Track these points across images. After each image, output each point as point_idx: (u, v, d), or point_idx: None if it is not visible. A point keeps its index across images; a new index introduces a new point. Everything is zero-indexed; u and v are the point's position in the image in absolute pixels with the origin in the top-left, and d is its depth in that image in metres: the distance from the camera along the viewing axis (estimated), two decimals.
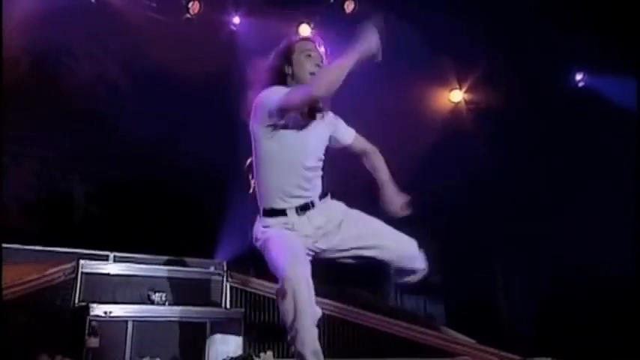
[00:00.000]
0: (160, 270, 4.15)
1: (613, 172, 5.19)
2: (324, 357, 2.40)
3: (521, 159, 5.74)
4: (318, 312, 2.32)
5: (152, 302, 3.92)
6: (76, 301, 3.71)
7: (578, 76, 6.11)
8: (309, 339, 2.25)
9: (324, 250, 2.53)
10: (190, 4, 5.71)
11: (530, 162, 5.72)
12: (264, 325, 4.16)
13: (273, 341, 3.99)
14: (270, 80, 2.56)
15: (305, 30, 6.21)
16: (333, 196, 2.65)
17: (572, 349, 4.64)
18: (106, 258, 4.28)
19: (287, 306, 2.22)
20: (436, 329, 4.19)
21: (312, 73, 2.54)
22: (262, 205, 2.57)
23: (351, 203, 2.67)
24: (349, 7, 6.01)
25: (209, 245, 5.42)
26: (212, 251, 5.40)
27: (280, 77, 2.55)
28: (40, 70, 5.37)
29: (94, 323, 3.44)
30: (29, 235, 4.52)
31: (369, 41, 2.51)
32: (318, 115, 2.58)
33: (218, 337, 3.90)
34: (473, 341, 4.02)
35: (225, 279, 4.35)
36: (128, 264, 4.12)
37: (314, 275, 2.41)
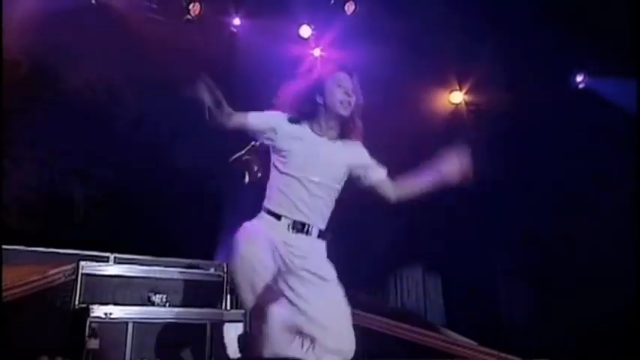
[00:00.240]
0: (161, 271, 4.15)
1: (613, 173, 5.19)
2: None
3: (521, 160, 5.74)
4: None
5: (152, 304, 3.92)
6: (77, 302, 3.71)
7: (579, 78, 6.10)
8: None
9: (285, 263, 2.49)
10: (191, 6, 5.71)
11: (530, 163, 5.71)
12: None
13: None
14: (300, 107, 2.64)
15: (306, 31, 6.22)
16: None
17: (571, 351, 4.64)
18: (106, 259, 4.28)
19: None
20: (436, 331, 4.19)
21: (342, 102, 2.60)
22: (264, 204, 2.61)
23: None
24: (350, 8, 6.01)
25: (209, 247, 5.41)
26: (212, 253, 5.39)
27: (311, 106, 2.62)
28: (41, 71, 5.37)
29: (94, 325, 3.44)
30: (30, 236, 4.53)
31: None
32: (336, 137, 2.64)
33: (218, 338, 3.89)
34: (473, 343, 4.02)
35: (225, 280, 4.34)
36: (128, 265, 4.12)
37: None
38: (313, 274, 2.45)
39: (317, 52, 6.37)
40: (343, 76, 2.66)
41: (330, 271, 2.54)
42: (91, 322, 3.45)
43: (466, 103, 6.54)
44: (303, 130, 2.62)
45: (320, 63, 6.35)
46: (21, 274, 3.59)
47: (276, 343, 2.37)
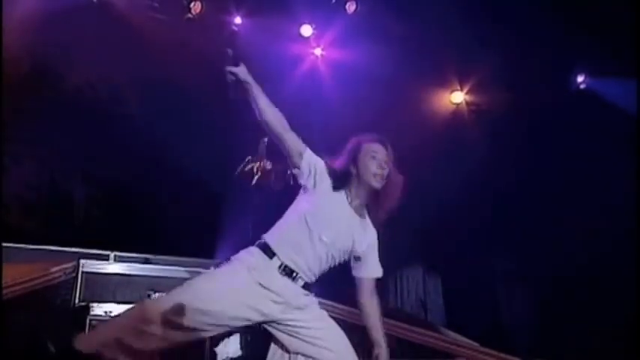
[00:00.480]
0: (161, 270, 4.15)
1: (614, 173, 5.19)
2: None
3: (522, 160, 5.74)
4: None
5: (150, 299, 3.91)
6: (77, 300, 3.71)
7: (580, 78, 6.10)
8: None
9: (265, 314, 2.47)
10: (192, 4, 5.71)
11: (531, 163, 5.71)
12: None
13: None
14: (335, 175, 2.61)
15: (306, 30, 6.22)
16: None
17: (572, 351, 4.65)
18: (106, 258, 4.28)
19: None
20: (436, 331, 4.20)
21: (375, 175, 2.58)
22: (265, 237, 2.58)
23: None
24: (351, 7, 6.01)
25: (209, 245, 5.42)
26: (212, 251, 5.40)
27: (345, 175, 2.61)
28: (42, 69, 5.37)
29: (94, 323, 3.44)
30: (30, 234, 4.53)
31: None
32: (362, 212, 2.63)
33: (218, 337, 3.89)
34: (473, 343, 4.03)
35: None
36: (129, 264, 4.12)
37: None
38: (290, 325, 2.49)
39: (318, 51, 6.37)
40: (378, 148, 2.63)
41: (323, 314, 2.58)
42: (91, 320, 3.45)
43: (467, 103, 6.54)
44: (338, 193, 2.60)
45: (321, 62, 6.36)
46: (22, 272, 3.59)
47: None
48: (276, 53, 6.03)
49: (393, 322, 3.95)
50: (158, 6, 5.68)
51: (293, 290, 2.50)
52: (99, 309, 3.51)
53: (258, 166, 5.14)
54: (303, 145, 2.57)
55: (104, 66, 5.58)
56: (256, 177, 4.78)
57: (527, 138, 5.75)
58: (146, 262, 4.30)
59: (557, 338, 5.16)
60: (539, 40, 5.52)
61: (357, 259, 2.65)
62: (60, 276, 3.73)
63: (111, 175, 5.56)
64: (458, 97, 6.54)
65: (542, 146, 5.69)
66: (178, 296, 2.41)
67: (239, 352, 3.89)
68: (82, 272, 3.78)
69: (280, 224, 2.61)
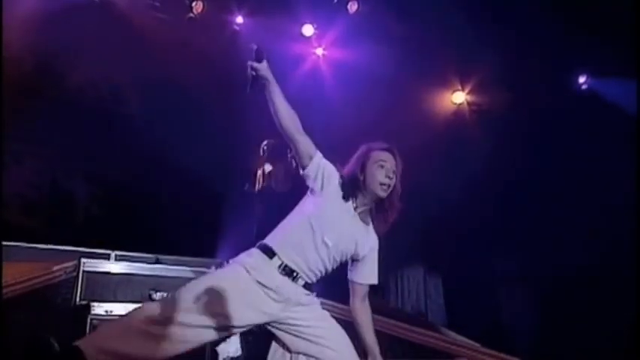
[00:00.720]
0: (161, 269, 4.15)
1: (615, 173, 5.18)
2: None
3: (523, 161, 5.73)
4: None
5: (153, 301, 3.91)
6: (78, 299, 3.71)
7: (582, 79, 6.09)
8: None
9: (266, 313, 2.48)
10: (194, 4, 5.72)
11: (532, 164, 5.70)
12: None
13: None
14: (343, 181, 2.62)
15: (308, 30, 6.22)
16: None
17: (573, 352, 4.64)
18: (107, 257, 4.29)
19: None
20: (437, 331, 4.19)
21: (382, 184, 2.59)
22: (266, 240, 2.58)
23: None
24: (352, 7, 6.01)
25: (211, 245, 5.42)
26: (213, 251, 5.40)
27: (353, 182, 2.61)
28: (44, 69, 5.38)
29: (95, 322, 3.44)
30: (31, 233, 4.54)
31: None
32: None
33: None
34: (474, 343, 4.02)
35: None
36: (129, 263, 4.12)
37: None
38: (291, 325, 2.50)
39: (319, 51, 6.37)
40: (386, 157, 2.64)
41: (325, 314, 2.59)
42: (91, 320, 3.45)
43: (468, 103, 6.53)
44: (345, 198, 2.61)
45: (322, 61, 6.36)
46: (22, 271, 3.59)
47: None
48: (278, 53, 6.02)
49: (393, 322, 3.95)
50: (159, 5, 5.68)
51: (293, 288, 2.50)
52: (99, 308, 3.52)
53: (260, 170, 5.15)
54: (315, 148, 2.57)
55: (106, 65, 5.58)
56: (259, 182, 4.80)
57: (529, 138, 5.74)
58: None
59: (558, 338, 5.16)
60: (541, 40, 5.51)
61: (356, 261, 2.66)
62: (61, 275, 3.73)
63: (112, 175, 5.57)
64: (459, 97, 6.53)
65: (543, 146, 5.68)
66: (180, 298, 2.40)
67: (239, 352, 3.89)
68: (83, 271, 3.78)
69: (284, 225, 2.61)
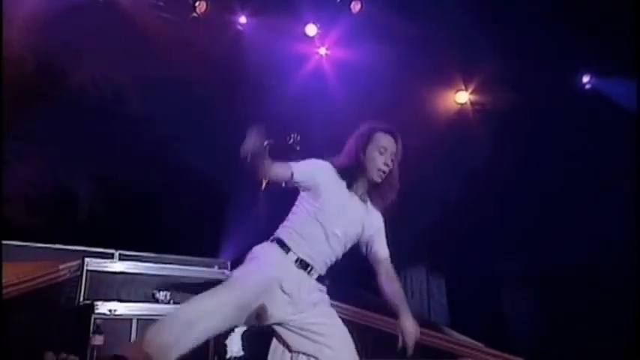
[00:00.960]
0: (165, 269, 4.17)
1: (619, 173, 5.17)
2: None
3: (526, 161, 5.72)
4: None
5: (156, 301, 3.93)
6: (81, 298, 3.73)
7: (585, 78, 6.07)
8: None
9: (275, 317, 2.47)
10: (197, 4, 5.71)
11: (536, 164, 5.69)
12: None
13: None
14: (345, 161, 2.62)
15: (311, 30, 6.22)
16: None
17: (575, 352, 4.63)
18: (111, 256, 4.30)
19: None
20: (440, 331, 4.19)
21: (379, 170, 2.58)
22: (278, 233, 2.58)
23: None
24: (356, 7, 6.01)
25: (213, 245, 5.43)
26: (216, 251, 5.41)
27: (352, 163, 2.60)
28: (47, 68, 5.38)
29: (98, 321, 3.46)
30: (35, 232, 4.55)
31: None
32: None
33: (221, 336, 3.90)
34: (476, 343, 4.02)
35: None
36: (133, 262, 4.14)
37: None
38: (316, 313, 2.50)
39: (322, 50, 6.37)
40: (387, 141, 2.62)
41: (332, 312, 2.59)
42: (95, 319, 3.46)
43: (471, 103, 6.52)
44: (341, 184, 2.60)
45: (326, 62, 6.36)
46: (26, 270, 3.61)
47: None
48: (281, 52, 6.04)
49: (395, 321, 3.95)
50: (163, 5, 5.69)
51: (307, 287, 2.50)
52: (103, 307, 3.53)
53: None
54: (287, 165, 2.52)
55: (108, 65, 5.59)
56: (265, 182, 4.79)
57: (532, 138, 5.73)
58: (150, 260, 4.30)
59: (561, 338, 5.15)
60: (545, 39, 5.50)
61: (368, 243, 2.67)
62: (65, 274, 3.75)
63: (115, 174, 5.57)
64: (462, 96, 6.52)
65: (546, 146, 5.67)
66: (221, 293, 2.39)
67: (242, 352, 3.91)
68: (87, 270, 3.80)
69: (291, 221, 2.60)
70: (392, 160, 2.61)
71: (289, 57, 6.14)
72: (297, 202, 2.64)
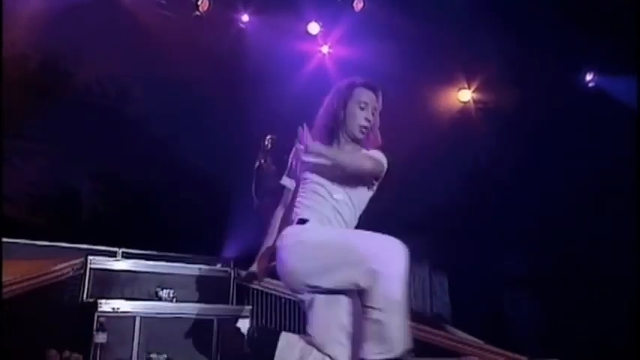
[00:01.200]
0: (168, 267, 4.17)
1: (622, 173, 5.16)
2: None
3: (529, 159, 5.72)
4: None
5: (160, 299, 3.94)
6: (85, 296, 3.73)
7: (589, 77, 6.06)
8: None
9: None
10: (199, 2, 5.71)
11: (538, 162, 5.69)
12: (270, 322, 4.17)
13: None
14: (325, 119, 2.62)
15: (314, 28, 6.21)
16: None
17: (578, 351, 4.63)
18: (114, 254, 4.31)
19: None
20: (443, 329, 4.19)
21: (361, 127, 2.58)
22: (298, 214, 2.59)
23: None
24: (358, 5, 6.00)
25: (216, 243, 5.43)
26: (219, 249, 5.42)
27: (334, 121, 2.60)
28: (49, 66, 5.39)
29: (102, 319, 3.46)
30: (38, 230, 4.56)
31: None
32: None
33: (223, 336, 3.91)
34: (479, 341, 4.02)
35: (232, 276, 4.36)
36: (136, 260, 4.14)
37: None
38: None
39: (325, 49, 6.36)
40: (367, 96, 2.62)
41: None
42: (98, 317, 3.47)
43: (474, 101, 6.52)
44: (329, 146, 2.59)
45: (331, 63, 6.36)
46: (30, 268, 3.62)
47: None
48: (283, 51, 6.04)
49: None
50: (165, 3, 5.69)
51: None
52: (106, 305, 3.54)
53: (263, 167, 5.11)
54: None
55: (111, 64, 5.59)
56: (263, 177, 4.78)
57: (535, 137, 5.73)
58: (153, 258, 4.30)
59: (564, 337, 5.15)
60: (548, 37, 5.49)
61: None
62: (68, 272, 3.76)
63: (119, 172, 5.58)
64: (465, 95, 6.52)
65: (549, 145, 5.66)
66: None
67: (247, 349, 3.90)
68: (90, 269, 3.80)
69: (301, 201, 2.59)
70: (373, 115, 2.61)
71: (292, 55, 6.13)
72: (300, 183, 2.65)
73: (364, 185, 2.60)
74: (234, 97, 5.78)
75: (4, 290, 3.28)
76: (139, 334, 3.61)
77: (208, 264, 4.53)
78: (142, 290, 3.94)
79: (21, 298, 3.47)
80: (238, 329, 3.84)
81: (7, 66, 4.28)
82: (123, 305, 3.60)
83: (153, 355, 3.61)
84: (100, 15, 5.40)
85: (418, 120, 5.86)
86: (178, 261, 4.40)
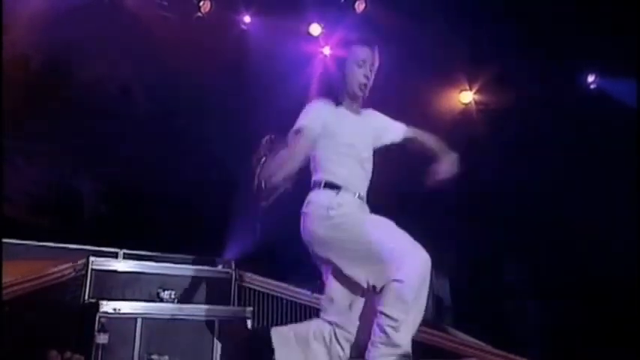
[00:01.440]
0: (169, 268, 4.16)
1: (625, 174, 5.16)
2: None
3: (532, 161, 5.71)
4: None
5: (161, 300, 3.93)
6: (86, 297, 3.73)
7: (590, 78, 6.06)
8: None
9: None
10: (201, 3, 5.73)
11: (541, 164, 5.68)
12: (272, 323, 4.16)
13: None
14: (326, 82, 2.68)
15: (316, 30, 6.22)
16: None
17: (581, 353, 4.62)
18: (115, 255, 4.30)
19: None
20: (444, 331, 4.18)
21: (360, 84, 2.63)
22: (321, 178, 2.58)
23: None
24: (360, 6, 6.01)
25: (218, 244, 5.43)
26: (221, 249, 5.41)
27: (335, 79, 2.64)
28: (52, 68, 5.40)
29: (103, 320, 3.45)
30: (40, 231, 4.56)
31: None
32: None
33: (225, 335, 3.90)
34: (481, 343, 4.01)
35: (233, 277, 4.36)
36: (137, 261, 4.13)
37: None
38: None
39: (327, 50, 6.36)
40: (364, 53, 2.65)
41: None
42: (100, 317, 3.46)
43: (476, 103, 6.51)
44: (337, 110, 2.63)
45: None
46: (31, 269, 3.61)
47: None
48: (285, 52, 6.04)
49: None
50: (167, 4, 5.70)
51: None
52: (108, 306, 3.53)
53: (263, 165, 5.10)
54: (308, 145, 2.59)
55: (113, 64, 5.60)
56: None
57: (537, 138, 5.72)
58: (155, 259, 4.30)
59: (567, 340, 5.14)
60: (549, 39, 5.49)
61: (381, 138, 2.75)
62: (69, 273, 3.75)
63: (120, 173, 5.58)
64: (467, 96, 6.52)
65: (551, 147, 5.66)
66: None
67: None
68: (92, 269, 3.80)
69: (321, 164, 2.59)
70: (371, 72, 2.66)
71: (293, 56, 6.14)
72: (316, 152, 2.63)
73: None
74: (235, 97, 5.79)
75: (5, 291, 3.28)
76: (141, 335, 3.60)
77: (210, 265, 4.52)
78: (143, 291, 3.93)
79: (22, 299, 3.47)
80: (239, 330, 3.84)
81: (7, 66, 4.28)
82: (124, 306, 3.60)
83: (154, 356, 3.61)
84: (102, 16, 5.41)
85: (419, 121, 5.84)
86: (180, 262, 4.39)
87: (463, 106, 6.55)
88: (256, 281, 4.34)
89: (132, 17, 5.49)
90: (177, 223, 5.39)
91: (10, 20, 4.51)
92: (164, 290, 3.96)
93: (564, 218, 5.48)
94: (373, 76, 2.68)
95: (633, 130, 5.15)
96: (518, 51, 5.61)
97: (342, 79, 2.62)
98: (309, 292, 4.24)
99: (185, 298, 4.04)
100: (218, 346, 3.83)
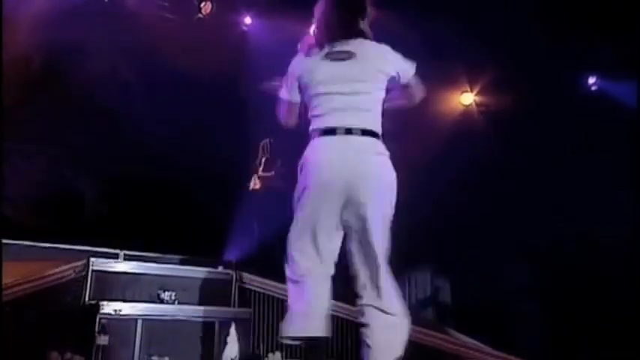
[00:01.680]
0: (170, 269, 4.17)
1: (625, 175, 5.16)
2: (331, 359, 2.43)
3: (532, 162, 5.71)
4: None
5: (161, 301, 3.93)
6: (87, 298, 3.72)
7: (591, 80, 6.06)
8: None
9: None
10: (202, 4, 5.73)
11: (541, 165, 5.68)
12: (272, 324, 4.16)
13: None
14: (320, 32, 2.71)
15: None
16: None
17: (581, 353, 4.63)
18: (116, 256, 4.31)
19: None
20: (444, 332, 4.18)
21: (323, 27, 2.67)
22: (315, 127, 2.61)
23: None
24: None
25: (218, 245, 5.43)
26: (221, 251, 5.41)
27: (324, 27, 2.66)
28: (53, 68, 5.40)
29: (103, 321, 3.45)
30: (40, 232, 4.56)
31: None
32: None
33: (225, 335, 3.90)
34: (481, 345, 4.01)
35: (234, 279, 4.36)
36: (138, 262, 4.13)
37: None
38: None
39: None
40: (316, 10, 2.73)
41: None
42: (100, 319, 3.46)
43: (476, 105, 6.51)
44: (328, 62, 2.65)
45: None
46: (32, 270, 3.61)
47: None
48: (286, 53, 6.03)
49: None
50: (168, 5, 5.70)
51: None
52: (108, 307, 3.53)
53: (261, 167, 5.13)
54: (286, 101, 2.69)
55: (115, 65, 5.61)
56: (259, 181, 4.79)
57: (538, 140, 5.72)
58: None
59: (567, 341, 5.14)
60: (550, 41, 5.49)
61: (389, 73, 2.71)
62: (70, 274, 3.75)
63: (121, 174, 5.59)
64: (468, 98, 6.52)
65: (552, 148, 5.66)
66: None
67: (247, 352, 3.91)
68: (92, 270, 3.79)
69: (318, 111, 2.62)
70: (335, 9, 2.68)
71: (294, 57, 6.14)
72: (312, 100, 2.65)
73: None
74: (236, 98, 5.79)
75: (6, 292, 3.27)
76: (141, 336, 3.60)
77: (210, 266, 4.52)
78: (143, 292, 3.93)
79: (22, 300, 3.47)
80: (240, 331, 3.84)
81: (7, 66, 4.28)
82: (124, 307, 3.60)
83: (154, 358, 3.61)
84: (103, 17, 5.42)
85: (420, 123, 5.85)
86: (180, 263, 4.40)
87: (464, 107, 6.55)
88: (256, 282, 4.34)
89: (133, 18, 5.49)
90: (178, 224, 5.40)
91: (9, 20, 4.51)
92: (164, 291, 3.96)
93: (564, 218, 5.47)
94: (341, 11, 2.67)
95: (634, 131, 5.15)
96: (519, 52, 5.61)
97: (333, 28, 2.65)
98: None
99: (185, 299, 4.04)
100: (218, 347, 3.83)
